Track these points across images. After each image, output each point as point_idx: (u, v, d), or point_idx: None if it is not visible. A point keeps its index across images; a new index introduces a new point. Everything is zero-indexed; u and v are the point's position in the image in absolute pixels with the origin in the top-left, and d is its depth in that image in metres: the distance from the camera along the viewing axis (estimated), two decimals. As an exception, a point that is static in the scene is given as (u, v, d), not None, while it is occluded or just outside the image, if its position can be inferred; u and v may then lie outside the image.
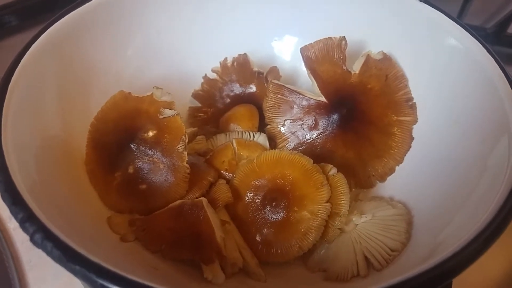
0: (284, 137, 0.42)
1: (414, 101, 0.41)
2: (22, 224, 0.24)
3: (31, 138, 0.33)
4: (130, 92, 0.38)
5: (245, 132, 0.42)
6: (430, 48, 0.41)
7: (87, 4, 0.39)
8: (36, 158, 0.32)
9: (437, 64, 0.40)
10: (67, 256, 0.23)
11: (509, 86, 0.34)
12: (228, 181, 0.38)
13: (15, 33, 0.58)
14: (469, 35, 0.38)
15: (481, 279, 0.38)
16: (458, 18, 0.39)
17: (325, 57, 0.42)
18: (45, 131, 0.35)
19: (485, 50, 0.37)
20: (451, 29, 0.39)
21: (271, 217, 0.36)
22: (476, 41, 0.37)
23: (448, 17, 0.39)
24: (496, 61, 0.36)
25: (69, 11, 0.38)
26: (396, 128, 0.41)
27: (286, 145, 0.42)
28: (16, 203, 0.25)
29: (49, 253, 0.23)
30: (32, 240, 0.24)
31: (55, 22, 0.37)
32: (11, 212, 0.25)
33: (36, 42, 0.35)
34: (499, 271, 0.38)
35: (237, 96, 0.47)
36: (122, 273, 0.23)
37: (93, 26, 0.40)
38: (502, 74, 0.35)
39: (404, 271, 0.25)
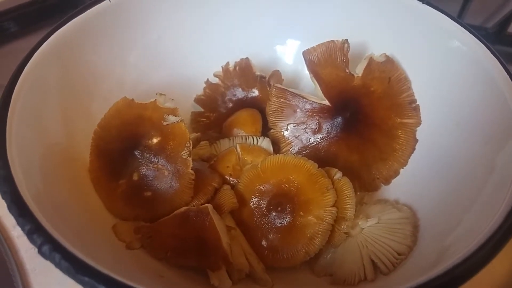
0: (287, 141, 0.42)
1: (417, 103, 0.41)
2: (30, 235, 0.24)
3: (35, 147, 0.32)
4: (133, 99, 0.38)
5: (248, 137, 0.42)
6: (432, 49, 0.40)
7: (89, 11, 0.39)
8: (41, 167, 0.32)
9: (440, 66, 0.40)
10: (76, 268, 0.23)
11: (513, 86, 0.34)
12: (233, 187, 0.38)
13: (15, 39, 0.58)
14: (472, 35, 0.38)
15: (488, 278, 0.38)
16: (458, 18, 0.39)
17: (327, 60, 0.42)
18: (48, 139, 0.35)
19: (488, 51, 0.37)
20: (454, 30, 0.39)
21: (277, 222, 0.36)
22: (479, 42, 0.37)
23: (450, 18, 0.39)
24: (499, 62, 0.35)
25: (71, 18, 0.38)
26: (400, 131, 0.41)
27: (290, 149, 0.42)
28: (23, 214, 0.25)
29: (57, 265, 0.23)
30: (40, 251, 0.24)
31: (57, 29, 0.37)
32: (18, 223, 0.25)
33: (39, 50, 0.35)
34: (506, 270, 0.38)
35: (239, 101, 0.47)
36: (130, 283, 0.23)
37: (95, 32, 0.40)
38: (506, 75, 0.35)
39: (411, 275, 0.25)
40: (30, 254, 0.41)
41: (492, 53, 0.36)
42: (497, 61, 0.35)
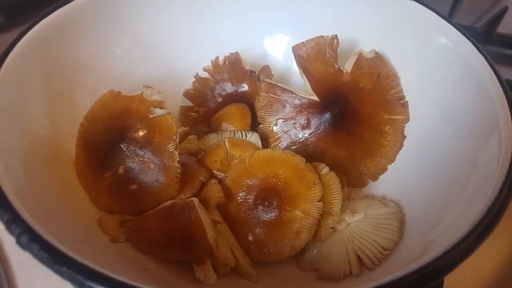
0: (276, 136, 0.42)
1: (406, 99, 0.41)
2: (8, 225, 0.24)
3: (17, 140, 0.32)
4: (120, 91, 0.38)
5: (237, 132, 0.41)
6: (421, 46, 0.41)
7: (75, 1, 0.38)
8: (24, 160, 0.32)
9: (428, 63, 0.40)
10: (54, 258, 0.23)
11: (499, 84, 0.34)
12: (220, 181, 0.38)
13: (3, 32, 0.57)
14: (460, 33, 0.38)
15: (473, 275, 0.38)
16: (448, 17, 0.40)
17: (317, 56, 0.41)
18: (32, 132, 0.34)
19: (475, 49, 0.37)
20: (442, 28, 0.39)
21: (264, 217, 0.36)
22: (467, 40, 0.37)
23: (439, 15, 0.39)
24: (486, 60, 0.36)
25: (56, 8, 0.37)
26: (388, 127, 0.41)
27: (279, 144, 0.42)
28: (1, 204, 0.25)
29: (35, 255, 0.23)
30: (18, 242, 0.23)
31: (41, 19, 0.36)
32: (-4, 213, 0.25)
33: (21, 41, 0.34)
34: (491, 266, 0.38)
35: (229, 95, 0.47)
36: (110, 274, 0.23)
37: (81, 23, 0.39)
38: (492, 72, 0.35)
39: (396, 269, 0.25)
40: (15, 247, 0.40)
41: (478, 50, 0.36)
42: (483, 58, 0.36)
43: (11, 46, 0.33)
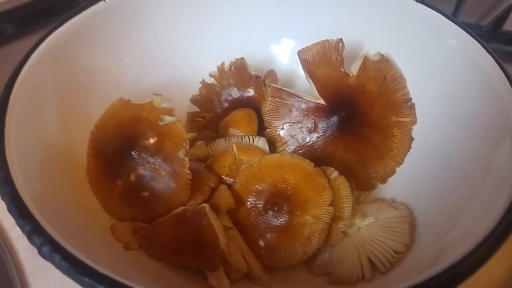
0: (283, 141, 0.42)
1: (412, 101, 0.41)
2: (30, 236, 0.24)
3: (33, 148, 0.33)
4: (129, 100, 0.38)
5: (244, 136, 0.42)
6: (427, 48, 0.41)
7: (85, 12, 0.39)
8: (39, 168, 0.32)
9: (435, 64, 0.40)
10: (76, 268, 0.23)
11: (509, 84, 0.33)
12: (229, 186, 0.38)
13: (11, 41, 0.58)
14: (467, 34, 0.38)
15: (484, 278, 0.38)
16: (453, 16, 0.39)
17: (322, 60, 0.42)
18: (47, 140, 0.35)
19: (483, 49, 0.36)
20: (448, 29, 0.39)
21: (274, 222, 0.36)
22: (474, 40, 0.37)
23: (445, 16, 0.39)
24: (495, 60, 0.35)
25: (67, 20, 0.38)
26: (395, 129, 0.41)
27: (286, 149, 0.42)
28: (23, 215, 0.25)
29: (57, 265, 0.23)
30: (40, 252, 0.24)
31: (54, 31, 0.37)
32: (18, 224, 0.25)
33: (35, 52, 0.34)
34: (502, 269, 0.38)
35: (235, 100, 0.47)
36: (132, 284, 0.23)
37: (91, 33, 0.40)
38: (502, 73, 0.34)
39: (410, 274, 0.25)
40: (28, 255, 0.41)
41: (487, 51, 0.36)
42: (492, 59, 0.35)
43: (25, 58, 0.34)
